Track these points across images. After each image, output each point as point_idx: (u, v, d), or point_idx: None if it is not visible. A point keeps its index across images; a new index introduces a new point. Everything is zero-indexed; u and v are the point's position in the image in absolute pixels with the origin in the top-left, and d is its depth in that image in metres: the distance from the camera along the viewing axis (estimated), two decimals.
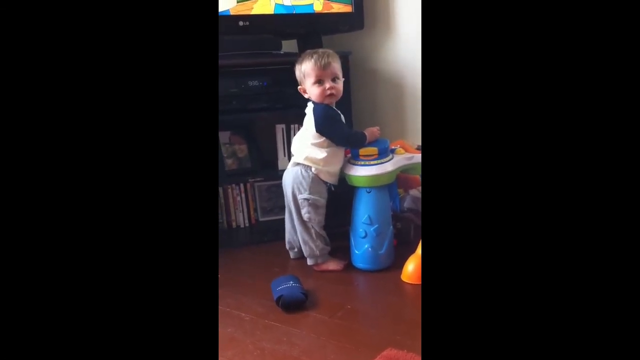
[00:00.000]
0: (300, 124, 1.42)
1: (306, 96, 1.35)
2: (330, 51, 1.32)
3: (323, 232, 1.34)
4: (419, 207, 1.51)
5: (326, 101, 1.31)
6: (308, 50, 1.33)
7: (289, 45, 1.71)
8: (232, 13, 1.51)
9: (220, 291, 1.13)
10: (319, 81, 1.28)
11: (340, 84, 1.32)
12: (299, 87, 1.35)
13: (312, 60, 1.27)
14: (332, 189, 1.35)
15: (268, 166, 1.69)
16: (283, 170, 1.57)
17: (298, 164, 1.33)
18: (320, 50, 1.32)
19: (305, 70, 1.29)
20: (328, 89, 1.28)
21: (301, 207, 1.31)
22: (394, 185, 1.40)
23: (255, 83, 1.60)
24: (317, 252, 1.32)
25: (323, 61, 1.27)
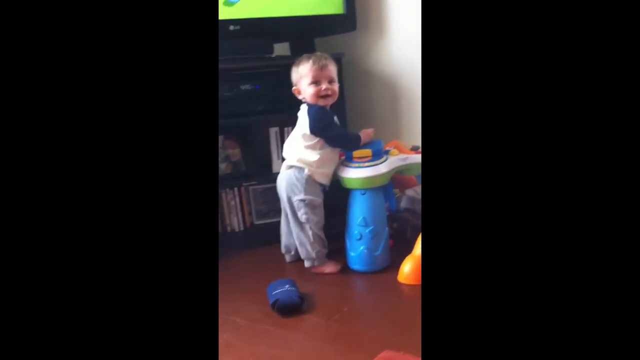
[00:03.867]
0: (294, 126, 1.42)
1: (300, 97, 1.35)
2: (327, 55, 1.33)
3: (321, 233, 1.33)
4: (416, 207, 1.51)
5: (321, 102, 1.31)
6: (305, 55, 1.34)
7: (281, 49, 1.71)
8: (220, 17, 1.50)
9: None
10: (316, 82, 1.29)
11: (336, 86, 1.33)
12: (293, 87, 1.35)
13: (310, 61, 1.30)
14: (326, 189, 1.35)
15: (262, 169, 1.69)
16: (277, 173, 1.56)
17: (291, 166, 1.32)
18: (318, 53, 1.34)
19: (303, 71, 1.30)
20: (324, 89, 1.29)
21: (297, 209, 1.31)
22: (389, 186, 1.39)
23: (248, 87, 1.59)
24: (314, 255, 1.31)
25: (320, 63, 1.29)
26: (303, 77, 1.30)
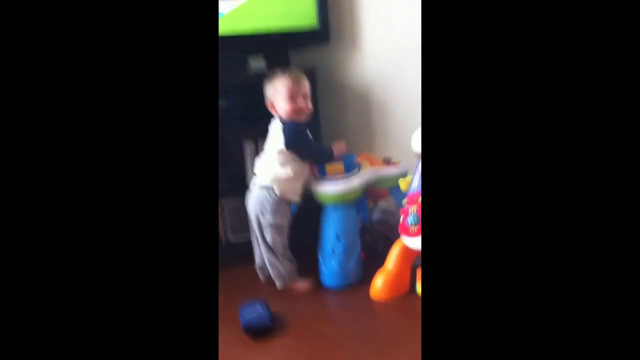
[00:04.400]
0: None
1: (274, 112, 1.34)
2: (301, 72, 1.34)
3: (288, 253, 1.32)
4: (388, 219, 1.51)
5: (296, 118, 1.30)
6: (279, 69, 1.34)
7: (255, 61, 1.70)
8: None
9: None
10: (291, 97, 1.28)
11: (309, 103, 1.33)
12: (267, 103, 1.35)
13: (286, 77, 1.29)
14: (295, 209, 1.34)
15: (237, 184, 1.67)
16: None
17: (262, 187, 1.31)
18: (293, 69, 1.34)
19: (278, 86, 1.30)
20: (299, 105, 1.29)
21: (265, 232, 1.30)
22: (362, 198, 1.39)
23: (223, 103, 1.58)
24: (284, 272, 1.30)
25: (296, 79, 1.30)
26: (278, 92, 1.30)
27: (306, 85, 1.32)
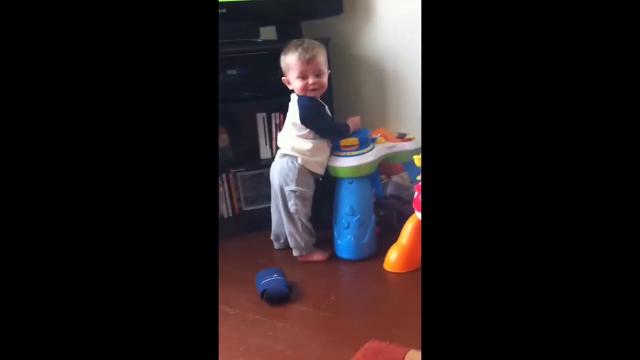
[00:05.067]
0: (282, 112, 1.41)
1: (290, 87, 1.34)
2: (316, 43, 1.30)
3: (309, 224, 1.35)
4: (402, 193, 1.53)
5: (310, 94, 1.30)
6: (294, 41, 1.31)
7: (267, 33, 1.68)
8: None
9: None
10: (303, 76, 1.27)
11: (324, 78, 1.31)
12: (282, 77, 1.34)
13: (297, 53, 1.26)
14: (320, 179, 1.36)
15: (250, 155, 1.68)
16: (265, 160, 1.56)
17: (285, 155, 1.32)
18: (306, 42, 1.29)
19: (290, 63, 1.28)
20: (311, 84, 1.27)
21: (288, 199, 1.32)
22: (376, 173, 1.41)
23: (234, 72, 1.57)
24: (303, 244, 1.33)
25: (307, 55, 1.26)
26: (291, 69, 1.29)
27: (320, 62, 1.28)
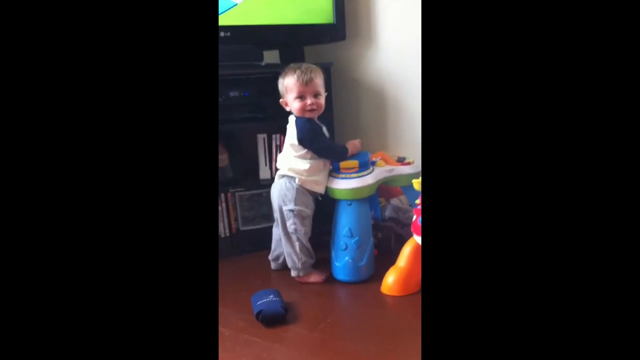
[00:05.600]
0: (282, 133, 1.42)
1: (287, 109, 1.36)
2: (314, 66, 1.33)
3: (308, 244, 1.34)
4: (400, 216, 1.53)
5: (307, 115, 1.32)
6: (292, 65, 1.34)
7: (270, 56, 1.71)
8: None
9: None
10: (301, 97, 1.29)
11: (322, 99, 1.33)
12: (280, 99, 1.36)
13: (295, 75, 1.29)
14: (320, 198, 1.37)
15: (249, 175, 1.69)
16: (265, 180, 1.57)
17: (283, 175, 1.33)
18: (304, 65, 1.32)
19: (288, 84, 1.31)
20: (309, 105, 1.30)
21: (287, 219, 1.32)
22: (375, 195, 1.41)
23: (236, 93, 1.60)
24: (300, 265, 1.33)
25: (305, 77, 1.28)
26: (289, 91, 1.31)
27: (318, 83, 1.31)
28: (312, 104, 1.30)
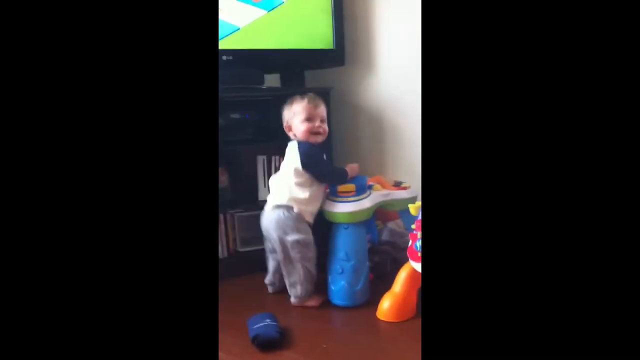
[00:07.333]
0: (282, 155, 1.44)
1: (291, 134, 1.39)
2: (320, 98, 1.40)
3: (315, 271, 1.35)
4: (397, 240, 1.54)
5: (311, 139, 1.35)
6: (296, 96, 1.40)
7: (272, 80, 1.75)
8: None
9: None
10: (309, 119, 1.34)
11: (326, 126, 1.39)
12: (285, 125, 1.40)
13: (305, 100, 1.36)
14: (310, 226, 1.38)
15: (248, 196, 1.71)
16: (263, 201, 1.58)
17: (279, 206, 1.34)
18: (311, 94, 1.40)
19: (297, 108, 1.36)
20: (316, 127, 1.34)
21: (291, 249, 1.32)
22: (371, 219, 1.42)
23: (238, 115, 1.63)
24: (302, 295, 1.34)
25: (316, 101, 1.36)
26: (296, 115, 1.36)
27: (324, 110, 1.39)
28: (319, 127, 1.34)
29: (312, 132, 1.34)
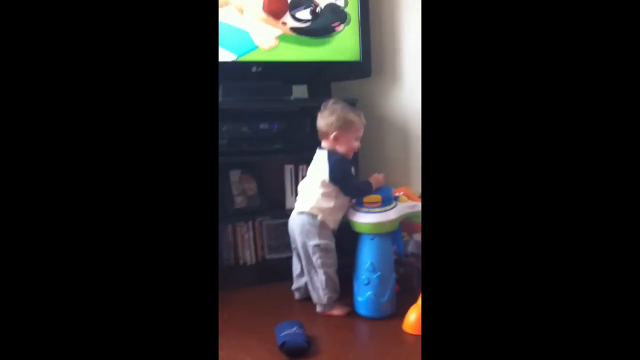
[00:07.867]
0: (308, 165, 1.47)
1: (326, 144, 1.40)
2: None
3: (335, 277, 1.37)
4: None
5: (346, 154, 1.39)
6: (339, 105, 1.39)
7: (299, 91, 1.78)
8: (244, 59, 1.58)
9: (225, 332, 1.17)
10: (358, 139, 1.40)
11: (359, 143, 1.44)
12: (325, 133, 1.38)
13: (360, 117, 1.39)
14: (334, 234, 1.40)
15: (276, 205, 1.74)
16: (290, 210, 1.62)
17: (303, 212, 1.37)
18: (359, 112, 1.43)
19: (356, 123, 1.37)
20: (357, 147, 1.41)
21: (312, 254, 1.35)
22: (397, 230, 1.44)
23: (266, 126, 1.66)
24: (325, 301, 1.36)
25: (364, 121, 1.41)
26: (352, 130, 1.37)
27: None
28: (359, 148, 1.41)
29: (353, 151, 1.40)
